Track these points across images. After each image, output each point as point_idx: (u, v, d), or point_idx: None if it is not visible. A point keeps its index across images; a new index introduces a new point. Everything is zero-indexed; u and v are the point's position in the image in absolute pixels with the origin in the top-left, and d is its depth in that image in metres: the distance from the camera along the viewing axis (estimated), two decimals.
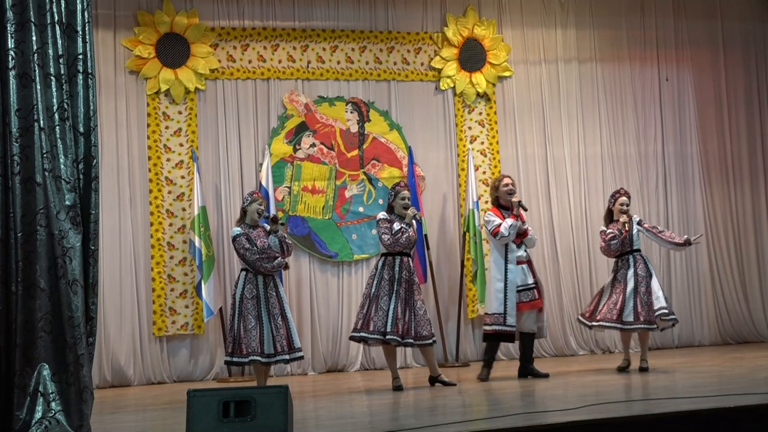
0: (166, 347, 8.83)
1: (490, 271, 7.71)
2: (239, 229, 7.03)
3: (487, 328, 7.59)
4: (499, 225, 7.52)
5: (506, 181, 7.77)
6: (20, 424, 4.95)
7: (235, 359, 6.89)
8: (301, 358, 7.17)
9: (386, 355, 7.46)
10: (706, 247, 10.36)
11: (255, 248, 6.94)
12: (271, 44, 9.40)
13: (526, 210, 7.75)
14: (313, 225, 9.32)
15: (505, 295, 7.48)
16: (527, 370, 7.68)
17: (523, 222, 7.65)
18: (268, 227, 7.13)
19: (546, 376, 7.57)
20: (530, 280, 7.63)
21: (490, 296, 7.64)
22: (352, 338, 7.42)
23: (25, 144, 5.13)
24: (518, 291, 7.55)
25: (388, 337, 7.09)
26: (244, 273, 7.01)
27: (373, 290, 7.21)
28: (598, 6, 10.36)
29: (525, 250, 7.68)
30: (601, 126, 10.24)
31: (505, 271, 7.52)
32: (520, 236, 7.63)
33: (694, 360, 8.65)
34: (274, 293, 6.97)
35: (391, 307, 7.12)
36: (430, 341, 7.26)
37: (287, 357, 6.94)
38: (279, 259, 6.97)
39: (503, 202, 7.71)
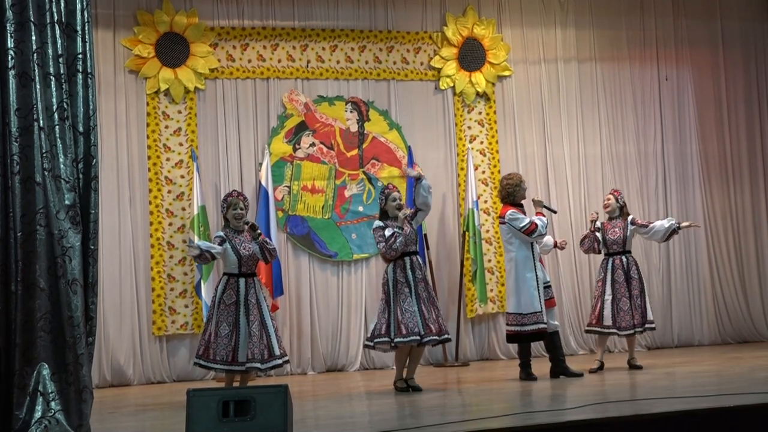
0: (165, 347, 8.83)
1: (518, 270, 7.43)
2: (221, 232, 6.89)
3: (529, 328, 7.35)
4: (533, 222, 7.42)
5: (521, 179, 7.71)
6: (20, 423, 4.95)
7: (201, 362, 6.73)
8: (280, 365, 6.85)
9: (399, 355, 7.26)
10: (705, 247, 10.37)
11: (216, 251, 6.77)
12: (271, 44, 9.40)
13: (554, 212, 7.81)
14: (312, 224, 9.32)
15: (539, 293, 7.42)
16: (560, 369, 7.54)
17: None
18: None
19: (580, 375, 7.50)
20: (548, 278, 7.66)
21: (522, 295, 7.40)
22: (378, 344, 7.09)
23: (25, 144, 5.13)
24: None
25: (425, 339, 6.97)
26: (225, 277, 6.81)
27: (392, 295, 7.08)
28: (597, 6, 10.36)
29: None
30: (601, 126, 10.25)
31: (535, 269, 7.46)
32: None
33: (693, 360, 8.66)
34: (255, 300, 6.76)
35: (416, 309, 7.01)
36: (449, 336, 7.33)
37: (260, 365, 6.62)
38: (195, 252, 6.77)
39: (519, 200, 7.62)
